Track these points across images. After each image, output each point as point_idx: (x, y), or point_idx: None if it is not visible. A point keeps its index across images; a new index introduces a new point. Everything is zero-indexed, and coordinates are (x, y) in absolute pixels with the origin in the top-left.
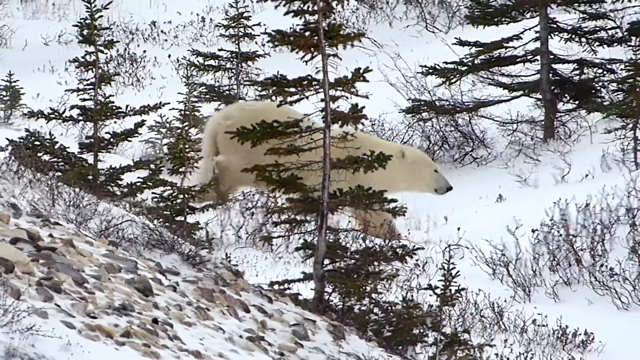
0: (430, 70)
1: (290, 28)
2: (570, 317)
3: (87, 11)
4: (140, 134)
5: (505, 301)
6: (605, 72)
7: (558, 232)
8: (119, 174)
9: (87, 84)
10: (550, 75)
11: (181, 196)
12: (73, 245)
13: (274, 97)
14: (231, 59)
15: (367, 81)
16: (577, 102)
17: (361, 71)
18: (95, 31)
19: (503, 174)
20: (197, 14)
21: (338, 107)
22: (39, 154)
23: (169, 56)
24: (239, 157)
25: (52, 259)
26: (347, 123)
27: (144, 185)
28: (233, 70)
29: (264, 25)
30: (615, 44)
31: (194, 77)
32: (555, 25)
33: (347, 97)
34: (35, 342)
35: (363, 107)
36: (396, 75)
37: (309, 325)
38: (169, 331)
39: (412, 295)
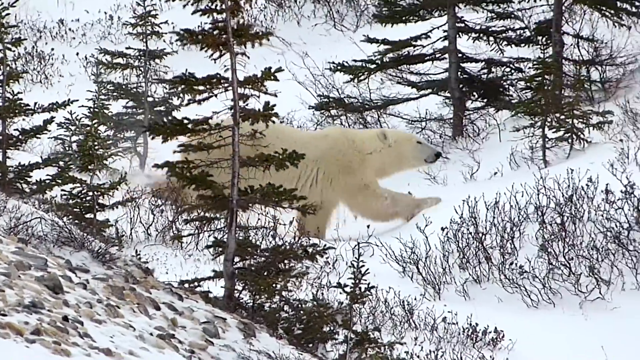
0: (339, 67)
1: (199, 27)
2: (480, 315)
3: None
4: (49, 131)
5: (415, 299)
6: (513, 71)
7: (467, 229)
8: (28, 171)
9: None
10: (459, 73)
11: (90, 193)
12: None
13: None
14: (139, 57)
15: (277, 80)
16: (485, 100)
17: (272, 70)
18: (2, 29)
19: (412, 172)
20: (105, 12)
21: (247, 105)
22: None
23: (77, 54)
24: None
25: None
26: (257, 121)
27: (53, 183)
28: (141, 68)
29: (172, 23)
30: (523, 43)
31: (103, 75)
32: (463, 25)
33: (256, 96)
34: None
35: (274, 105)
36: (304, 73)
37: (220, 323)
38: (79, 329)
39: (322, 293)
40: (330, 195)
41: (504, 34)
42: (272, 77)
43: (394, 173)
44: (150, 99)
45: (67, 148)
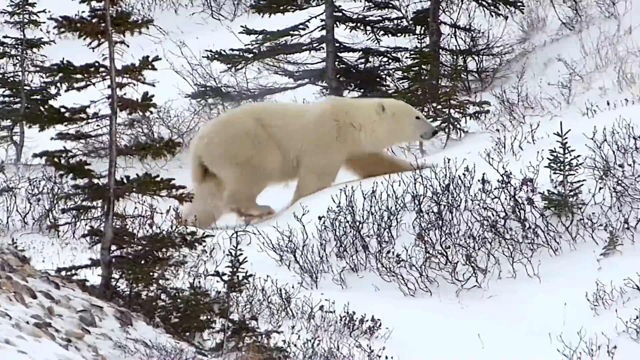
0: (216, 56)
1: (76, 15)
2: (357, 304)
3: None
4: None
5: (292, 287)
6: (390, 61)
7: (345, 218)
8: None
9: None
10: (336, 63)
11: None
12: None
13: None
14: (16, 46)
15: (155, 69)
16: (362, 90)
17: (150, 59)
18: None
19: None
20: None
21: (125, 94)
22: None
23: None
24: (237, 167)
25: None
26: (135, 110)
27: None
28: (18, 57)
29: (49, 11)
30: (400, 33)
31: None
32: (341, 14)
33: (134, 85)
34: None
35: (152, 95)
36: (182, 62)
37: (96, 311)
38: None
39: (199, 282)
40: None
41: (381, 24)
42: (150, 66)
43: (387, 146)
44: (27, 88)
45: None
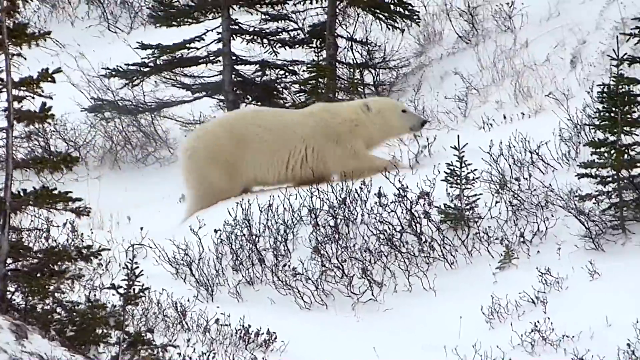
0: (113, 73)
1: None
2: (253, 317)
3: None
4: None
5: (188, 301)
6: (287, 74)
7: (241, 232)
8: None
9: None
10: (233, 76)
11: None
12: None
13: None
14: None
15: (54, 82)
16: (259, 103)
17: (49, 71)
18: None
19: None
20: None
21: (22, 107)
22: None
23: None
24: (220, 172)
25: None
26: (33, 122)
27: None
28: None
29: None
30: (297, 46)
31: None
32: (237, 27)
33: (32, 97)
34: None
35: (51, 107)
36: (79, 75)
37: None
38: None
39: (95, 295)
40: (322, 169)
41: (278, 37)
42: (50, 79)
43: (382, 143)
44: None
45: None
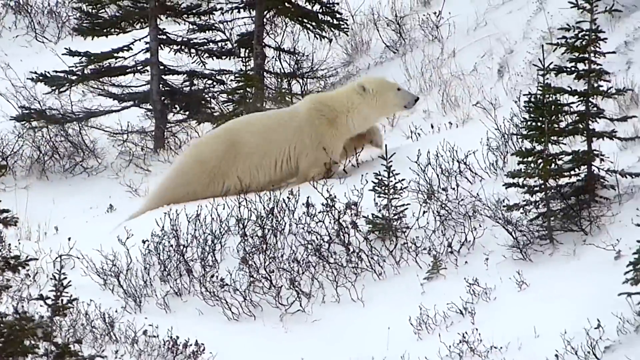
0: (40, 78)
1: None
2: (181, 328)
3: None
4: None
5: (116, 312)
6: (215, 83)
7: (169, 242)
8: None
9: None
10: (161, 86)
11: None
12: None
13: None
14: None
15: None
16: (187, 112)
17: None
18: None
19: (114, 184)
20: None
21: None
22: None
23: None
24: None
25: None
26: None
27: None
28: None
29: None
30: (225, 56)
31: None
32: (165, 37)
33: None
34: None
35: None
36: (6, 85)
37: None
38: None
39: (23, 306)
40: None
41: (205, 47)
42: None
43: (375, 121)
44: None
45: None
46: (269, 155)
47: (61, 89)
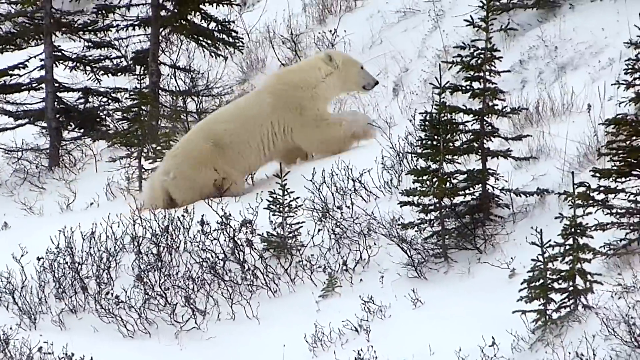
0: None
1: None
2: (77, 345)
3: None
4: None
5: (10, 329)
6: (110, 101)
7: (64, 259)
8: None
9: None
10: (56, 103)
11: None
12: None
13: None
14: None
15: None
16: (82, 130)
17: None
18: None
19: (8, 202)
20: None
21: None
22: None
23: None
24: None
25: None
26: None
27: None
28: None
29: None
30: (120, 73)
31: None
32: (60, 54)
33: None
34: None
35: None
36: None
37: None
38: None
39: None
40: (292, 143)
41: (101, 64)
42: None
43: (334, 98)
44: None
45: None
46: (251, 139)
47: None
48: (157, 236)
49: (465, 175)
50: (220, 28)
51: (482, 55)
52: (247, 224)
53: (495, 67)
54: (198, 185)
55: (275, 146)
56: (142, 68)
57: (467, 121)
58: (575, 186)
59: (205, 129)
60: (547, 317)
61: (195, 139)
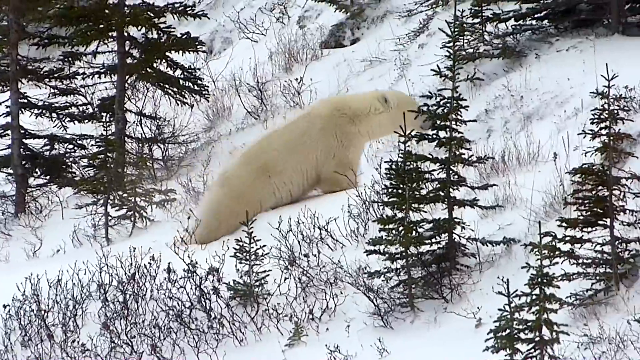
0: None
1: None
2: None
3: None
4: None
5: None
6: (76, 148)
7: (30, 307)
8: None
9: None
10: (22, 150)
11: None
12: None
13: None
14: None
15: None
16: (48, 177)
17: None
18: None
19: None
20: None
21: None
22: None
23: None
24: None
25: None
26: None
27: None
28: None
29: None
30: (86, 120)
31: None
32: (26, 101)
33: None
34: None
35: None
36: None
37: None
38: None
39: None
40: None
41: (67, 110)
42: None
43: (387, 134)
44: None
45: None
46: (301, 166)
47: None
48: (124, 284)
49: (432, 224)
50: (186, 76)
51: (448, 105)
52: (214, 272)
53: (461, 116)
54: (231, 221)
55: (311, 178)
56: (108, 115)
57: (434, 170)
58: (542, 236)
59: (257, 159)
60: None
61: (243, 172)
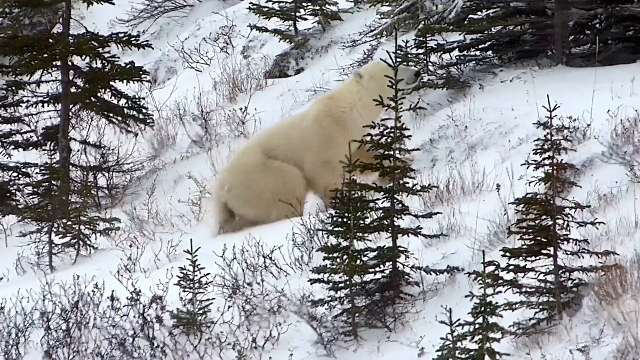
0: None
1: None
2: None
3: None
4: None
5: None
6: (20, 176)
7: None
8: None
9: None
10: None
11: None
12: None
13: None
14: None
15: None
16: None
17: None
18: None
19: None
20: None
21: None
22: None
23: None
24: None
25: None
26: None
27: None
28: None
29: None
30: (30, 148)
31: None
32: None
33: None
34: None
35: None
36: None
37: None
38: None
39: None
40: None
41: (11, 138)
42: None
43: (377, 115)
44: None
45: None
46: (297, 164)
47: None
48: (67, 312)
49: (376, 253)
50: (130, 104)
51: (392, 134)
52: (157, 300)
53: (405, 145)
54: (253, 193)
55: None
56: (53, 143)
57: (378, 199)
58: (485, 265)
59: (264, 148)
60: None
61: (250, 150)
